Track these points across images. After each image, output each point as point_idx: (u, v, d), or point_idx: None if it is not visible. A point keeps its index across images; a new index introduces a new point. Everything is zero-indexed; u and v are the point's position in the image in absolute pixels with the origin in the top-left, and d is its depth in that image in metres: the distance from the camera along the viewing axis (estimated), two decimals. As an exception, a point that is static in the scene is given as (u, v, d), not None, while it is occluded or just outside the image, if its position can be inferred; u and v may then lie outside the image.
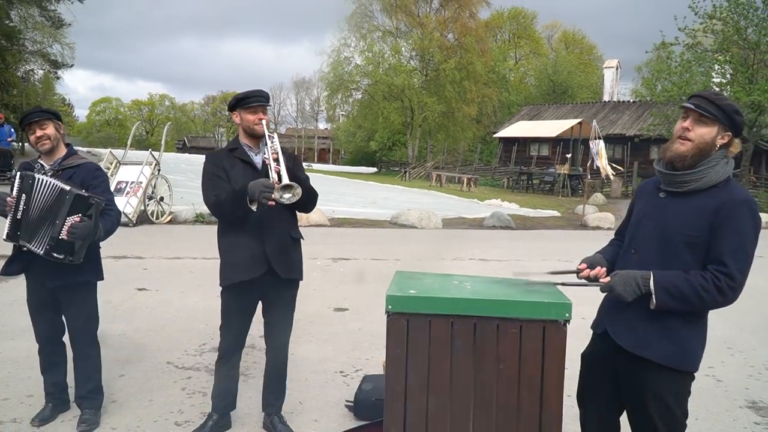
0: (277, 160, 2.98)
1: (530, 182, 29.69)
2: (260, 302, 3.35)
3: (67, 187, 3.16)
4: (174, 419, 3.58)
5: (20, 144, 35.23)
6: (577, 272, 2.44)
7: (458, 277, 2.69)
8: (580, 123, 29.58)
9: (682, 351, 2.25)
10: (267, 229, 3.14)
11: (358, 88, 43.65)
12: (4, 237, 3.24)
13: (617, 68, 39.31)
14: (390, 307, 2.32)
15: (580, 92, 47.33)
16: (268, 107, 3.24)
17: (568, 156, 28.20)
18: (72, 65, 36.39)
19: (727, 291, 2.15)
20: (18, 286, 6.34)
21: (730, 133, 2.24)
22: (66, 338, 3.52)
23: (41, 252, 3.15)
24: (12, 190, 3.27)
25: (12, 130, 18.62)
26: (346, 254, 9.56)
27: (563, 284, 2.48)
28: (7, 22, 28.51)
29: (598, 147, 19.92)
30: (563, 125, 30.97)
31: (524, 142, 35.08)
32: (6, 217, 3.24)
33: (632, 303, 2.27)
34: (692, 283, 2.16)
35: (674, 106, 23.33)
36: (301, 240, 3.36)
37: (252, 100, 3.18)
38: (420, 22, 40.88)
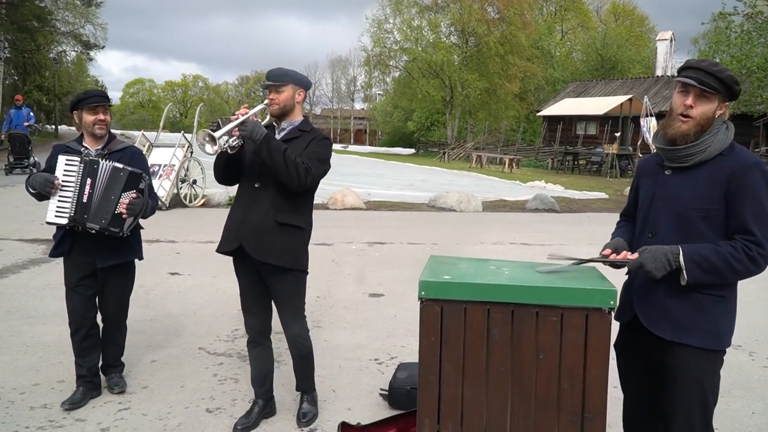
0: (236, 119, 3.05)
1: (576, 163, 29.13)
2: None
3: (120, 165, 3.45)
4: (205, 406, 3.63)
5: (54, 127, 36.21)
6: (604, 259, 2.41)
7: (495, 262, 2.63)
8: (630, 99, 28.79)
9: (717, 331, 2.25)
10: (248, 208, 3.24)
11: (396, 65, 43.46)
12: (68, 220, 3.40)
13: (671, 41, 38.00)
14: (423, 293, 2.28)
15: (630, 67, 46.01)
16: (286, 86, 3.25)
17: (617, 135, 27.53)
18: (104, 46, 37.27)
19: (760, 259, 2.15)
20: (49, 270, 6.53)
21: (727, 103, 2.25)
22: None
23: (98, 227, 3.37)
24: (54, 171, 3.45)
25: (31, 113, 17.46)
26: (382, 238, 9.56)
27: (591, 260, 2.45)
28: (37, 2, 29.18)
29: (650, 124, 19.39)
30: (612, 102, 30.19)
31: (570, 121, 34.36)
32: (48, 198, 3.41)
33: (661, 285, 2.26)
34: (722, 254, 2.15)
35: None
36: (298, 228, 3.27)
37: (266, 82, 3.28)
38: (458, -5, 40.29)
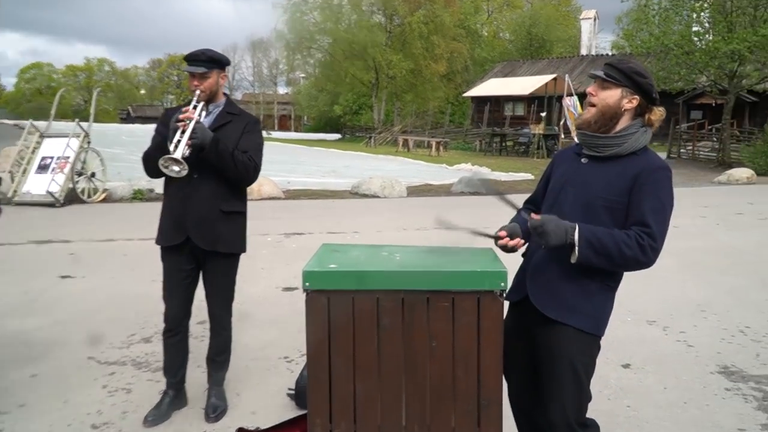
0: (183, 132, 3.07)
1: (503, 144, 29.76)
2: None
3: None
4: (91, 421, 3.43)
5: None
6: (496, 239, 2.46)
7: (388, 247, 2.59)
8: (554, 79, 29.59)
9: (598, 316, 2.39)
10: (191, 199, 3.28)
11: (319, 48, 43.06)
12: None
13: (595, 19, 39.32)
14: (308, 284, 2.21)
15: (557, 46, 47.26)
16: (211, 72, 3.27)
17: (543, 115, 28.29)
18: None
19: (649, 251, 2.25)
20: None
21: (637, 96, 2.37)
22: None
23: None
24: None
25: None
26: (301, 228, 9.44)
27: (486, 235, 2.49)
28: None
29: (575, 103, 19.95)
30: (537, 82, 30.99)
31: (497, 102, 35.05)
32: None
33: (554, 267, 2.37)
34: (615, 239, 2.25)
35: (653, 58, 23.43)
36: (241, 213, 3.44)
37: (188, 64, 3.27)
38: (380, -27, 40.25)
